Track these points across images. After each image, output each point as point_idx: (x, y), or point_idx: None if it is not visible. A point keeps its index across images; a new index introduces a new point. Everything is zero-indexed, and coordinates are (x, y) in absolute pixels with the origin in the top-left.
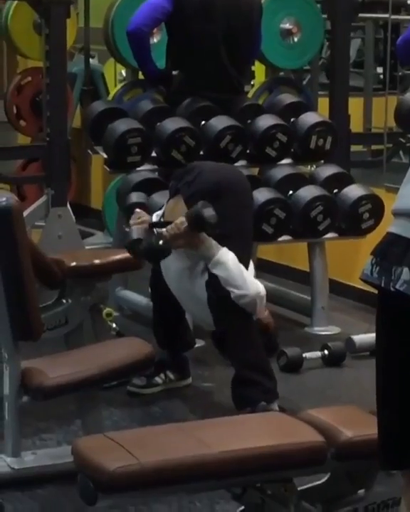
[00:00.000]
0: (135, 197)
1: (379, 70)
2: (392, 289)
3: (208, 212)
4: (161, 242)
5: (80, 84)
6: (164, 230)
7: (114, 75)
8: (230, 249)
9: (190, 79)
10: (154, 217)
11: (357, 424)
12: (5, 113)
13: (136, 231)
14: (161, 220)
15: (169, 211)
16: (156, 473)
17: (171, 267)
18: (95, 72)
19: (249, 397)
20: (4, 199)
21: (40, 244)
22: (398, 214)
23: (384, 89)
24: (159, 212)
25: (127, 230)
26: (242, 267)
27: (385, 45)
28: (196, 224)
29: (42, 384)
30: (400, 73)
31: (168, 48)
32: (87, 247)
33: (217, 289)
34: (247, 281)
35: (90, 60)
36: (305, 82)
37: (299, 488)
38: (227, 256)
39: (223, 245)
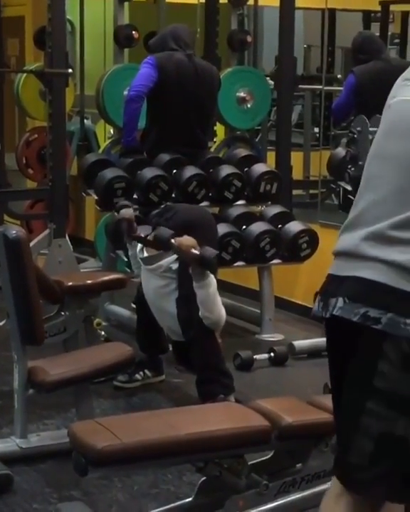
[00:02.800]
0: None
1: (316, 129)
2: (328, 315)
3: (215, 260)
4: (172, 241)
5: (76, 140)
6: (178, 240)
7: (104, 133)
8: None
9: (164, 136)
10: (139, 245)
11: (296, 411)
12: (16, 163)
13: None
14: (144, 251)
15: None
16: (136, 451)
17: (150, 285)
18: (88, 131)
19: (211, 392)
20: (14, 232)
21: (44, 268)
22: (335, 255)
23: (319, 145)
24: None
25: (115, 254)
26: (217, 296)
27: (320, 110)
28: (205, 263)
29: (44, 380)
30: (332, 133)
31: (148, 111)
32: (82, 270)
33: (188, 305)
34: (216, 308)
35: (85, 120)
36: (256, 139)
37: (249, 463)
38: (212, 283)
39: (189, 272)
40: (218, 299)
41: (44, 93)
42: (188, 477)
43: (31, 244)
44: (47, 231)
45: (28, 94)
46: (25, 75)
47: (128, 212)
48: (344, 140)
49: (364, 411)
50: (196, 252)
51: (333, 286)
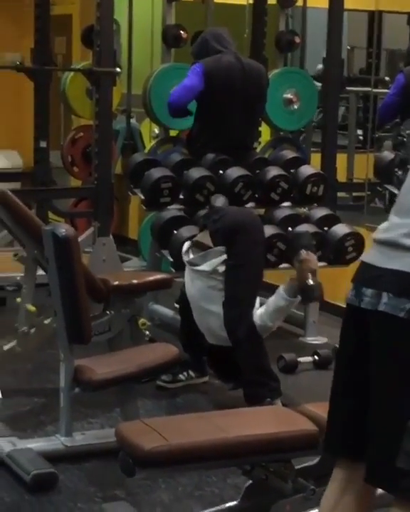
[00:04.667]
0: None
1: (358, 132)
2: (364, 306)
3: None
4: (302, 252)
5: (121, 139)
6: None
7: (149, 132)
8: (242, 276)
9: (211, 137)
10: (185, 246)
11: None
12: (61, 161)
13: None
14: (190, 252)
15: (198, 240)
16: (182, 453)
17: (195, 287)
18: (133, 130)
19: (258, 395)
20: (63, 230)
21: (88, 266)
22: (376, 242)
23: (364, 147)
24: (188, 243)
25: (160, 253)
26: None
27: (365, 113)
28: (306, 295)
29: (91, 379)
30: (376, 135)
31: (196, 112)
32: (125, 269)
33: (236, 307)
34: (278, 321)
35: (130, 119)
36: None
37: (296, 467)
38: (293, 304)
39: (237, 274)
40: (284, 316)
41: (91, 91)
42: (232, 479)
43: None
44: (91, 229)
45: (74, 92)
46: (72, 73)
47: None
48: (387, 143)
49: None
50: (311, 282)
51: (370, 276)
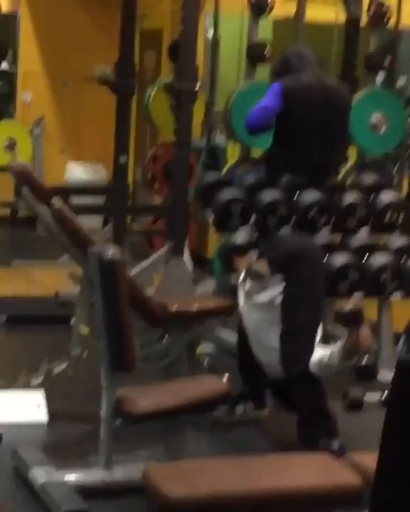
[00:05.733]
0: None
1: None
2: None
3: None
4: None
5: (204, 157)
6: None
7: (234, 150)
8: (299, 308)
9: (289, 159)
10: (242, 275)
11: None
12: (142, 176)
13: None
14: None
15: (254, 269)
16: (211, 503)
17: (251, 318)
18: (217, 148)
19: (311, 436)
20: (110, 253)
21: (159, 286)
22: None
23: None
24: (244, 271)
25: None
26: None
27: None
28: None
29: (132, 411)
30: None
31: (275, 131)
32: (198, 290)
33: (292, 342)
34: (332, 368)
35: (216, 136)
36: (396, 166)
37: None
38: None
39: (293, 305)
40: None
41: (173, 107)
42: None
43: (150, 260)
44: (165, 248)
45: (159, 107)
46: (156, 88)
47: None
48: None
49: None
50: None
51: None
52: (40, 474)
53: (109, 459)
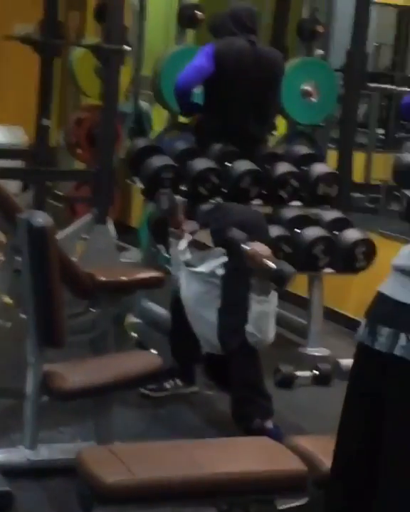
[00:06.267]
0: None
1: (380, 131)
2: (380, 348)
3: (290, 277)
4: (245, 246)
5: (129, 123)
6: (252, 247)
7: (160, 116)
8: (242, 282)
9: (220, 127)
10: (183, 245)
11: None
12: (65, 141)
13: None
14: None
15: (197, 239)
16: (149, 489)
17: (190, 290)
18: (143, 113)
19: (246, 414)
20: (40, 219)
21: (82, 254)
22: (394, 269)
23: (384, 147)
24: (185, 241)
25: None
26: (274, 316)
27: (387, 111)
28: (276, 280)
29: (61, 387)
30: (397, 135)
31: (204, 98)
32: (122, 260)
33: (231, 316)
34: (269, 330)
35: (141, 102)
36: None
37: (279, 508)
38: (272, 301)
39: (236, 279)
40: (273, 320)
41: (100, 70)
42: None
43: (72, 228)
44: (89, 216)
45: (83, 70)
46: (82, 49)
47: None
48: (408, 144)
49: None
50: (272, 264)
51: (387, 311)
52: None
53: (34, 438)
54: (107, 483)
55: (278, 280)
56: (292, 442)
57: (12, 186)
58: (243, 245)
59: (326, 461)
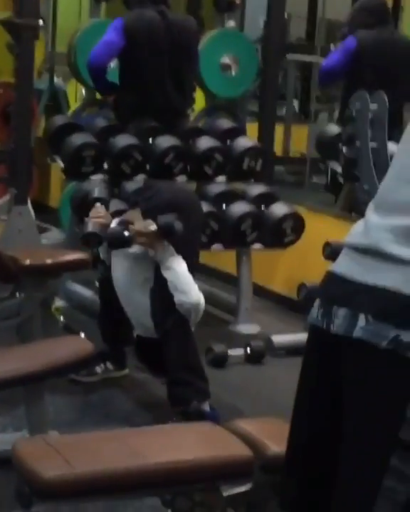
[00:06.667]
0: (97, 192)
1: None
2: (336, 330)
3: (178, 225)
4: (126, 233)
5: (45, 100)
6: (132, 225)
7: (75, 93)
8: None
9: (138, 102)
10: (113, 224)
11: (283, 437)
12: None
13: (92, 225)
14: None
15: (128, 220)
16: (90, 482)
17: (120, 271)
18: (58, 90)
19: (183, 397)
20: None
21: (2, 236)
22: (348, 247)
23: (300, 119)
24: (115, 221)
25: (79, 228)
26: (190, 276)
27: (302, 82)
28: (165, 232)
29: None
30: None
31: (120, 74)
32: (43, 241)
33: (162, 294)
34: (192, 290)
35: (55, 79)
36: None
37: (224, 494)
38: (180, 263)
39: None
40: (191, 280)
41: (12, 46)
42: (150, 510)
43: None
44: (7, 196)
45: None
46: None
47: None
48: (323, 115)
49: (387, 469)
50: (152, 227)
51: (343, 291)
52: None
53: None
54: (45, 478)
55: (165, 232)
56: (234, 426)
57: None
58: (125, 233)
59: (271, 445)
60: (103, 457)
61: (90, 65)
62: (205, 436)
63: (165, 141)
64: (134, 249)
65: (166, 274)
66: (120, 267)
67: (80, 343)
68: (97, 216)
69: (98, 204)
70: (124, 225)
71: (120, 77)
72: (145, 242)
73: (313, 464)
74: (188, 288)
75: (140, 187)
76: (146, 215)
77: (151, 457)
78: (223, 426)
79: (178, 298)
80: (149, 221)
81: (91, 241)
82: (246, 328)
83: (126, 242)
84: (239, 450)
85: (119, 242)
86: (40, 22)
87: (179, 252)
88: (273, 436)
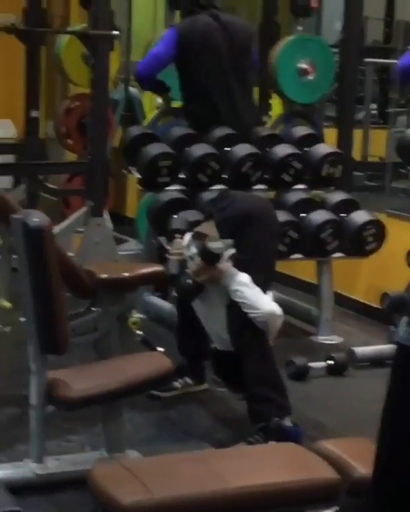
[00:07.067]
0: (176, 223)
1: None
2: None
3: (214, 245)
4: (189, 281)
5: (120, 110)
6: (188, 269)
7: (150, 102)
8: (252, 273)
9: (207, 111)
10: (187, 238)
11: (369, 458)
12: (55, 132)
13: (174, 265)
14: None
15: (201, 232)
16: (169, 508)
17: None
18: (134, 100)
19: (263, 413)
20: (36, 219)
21: (79, 249)
22: None
23: (377, 123)
24: (190, 234)
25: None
26: (257, 288)
27: (380, 86)
28: (207, 258)
29: (66, 396)
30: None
31: (181, 84)
32: (120, 253)
33: (237, 307)
34: (263, 303)
35: (131, 88)
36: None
37: None
38: (242, 278)
39: (246, 269)
40: (259, 292)
41: (87, 57)
42: None
43: (67, 221)
44: (84, 209)
45: (70, 57)
46: (68, 36)
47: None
48: (401, 118)
49: None
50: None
51: None
52: None
53: (41, 451)
54: (123, 504)
55: (207, 257)
56: (319, 447)
57: (3, 182)
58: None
59: (357, 467)
60: (182, 481)
61: (137, 77)
62: (289, 458)
63: (242, 150)
64: None
65: (235, 297)
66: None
67: (158, 359)
68: (177, 252)
69: (177, 239)
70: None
71: (182, 87)
72: (207, 279)
73: (401, 486)
74: (258, 303)
75: (214, 197)
76: (221, 226)
77: (233, 481)
78: (308, 447)
79: (253, 314)
80: (196, 260)
81: (177, 284)
82: (327, 339)
83: (193, 292)
84: (324, 473)
85: (190, 295)
86: (115, 32)
87: (252, 267)
88: (359, 458)
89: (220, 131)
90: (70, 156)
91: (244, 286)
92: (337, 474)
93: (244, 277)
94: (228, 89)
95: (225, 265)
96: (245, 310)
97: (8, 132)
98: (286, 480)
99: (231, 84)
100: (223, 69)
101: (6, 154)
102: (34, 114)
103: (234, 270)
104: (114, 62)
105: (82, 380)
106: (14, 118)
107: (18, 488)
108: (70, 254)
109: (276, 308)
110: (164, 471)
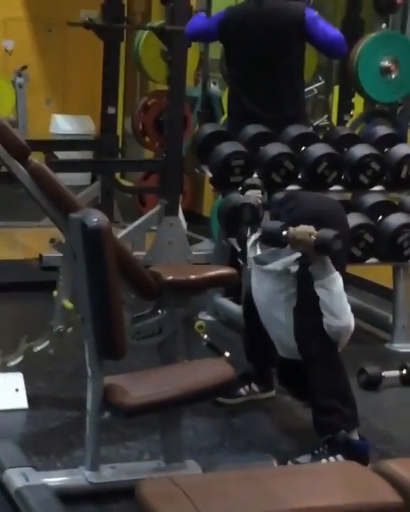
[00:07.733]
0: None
1: None
2: None
3: (337, 244)
4: (284, 233)
5: (198, 107)
6: (292, 229)
7: None
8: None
9: (238, 110)
10: (252, 239)
11: None
12: (132, 129)
13: (251, 196)
14: (258, 247)
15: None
16: None
17: (262, 289)
18: (213, 97)
19: (329, 425)
20: (95, 219)
21: (151, 248)
22: None
23: None
24: (255, 235)
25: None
26: (345, 298)
27: None
28: (320, 246)
29: (123, 403)
30: None
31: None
32: (194, 253)
33: (306, 314)
34: (344, 311)
35: (211, 85)
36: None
37: None
38: (337, 281)
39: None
40: (345, 301)
41: (165, 53)
42: None
43: (140, 220)
44: (158, 207)
45: (149, 54)
46: (146, 32)
47: (254, 195)
48: None
49: None
50: (313, 237)
51: None
52: (17, 478)
53: (96, 459)
54: None
55: (321, 247)
56: (383, 467)
57: (81, 178)
58: (283, 233)
59: None
60: (235, 502)
61: (187, 36)
62: (350, 478)
63: (319, 150)
64: (276, 265)
65: (319, 291)
66: (260, 285)
67: (220, 367)
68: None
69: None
70: (284, 226)
71: (229, 87)
72: (301, 250)
73: None
74: (341, 311)
75: (281, 198)
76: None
77: (289, 502)
78: (372, 466)
79: (328, 320)
80: (312, 229)
81: (245, 214)
82: (403, 347)
83: (280, 241)
84: (387, 495)
85: (273, 238)
86: None
87: None
88: None
89: (297, 130)
90: (148, 154)
91: (336, 288)
92: (399, 497)
93: (339, 278)
94: (253, 79)
95: (326, 259)
96: (324, 312)
97: (87, 128)
98: (344, 502)
99: (255, 75)
100: (249, 58)
101: (84, 150)
102: (111, 110)
103: (332, 268)
104: (193, 59)
105: (139, 387)
106: (93, 114)
107: (70, 496)
108: (142, 253)
109: (353, 322)
110: (216, 490)
